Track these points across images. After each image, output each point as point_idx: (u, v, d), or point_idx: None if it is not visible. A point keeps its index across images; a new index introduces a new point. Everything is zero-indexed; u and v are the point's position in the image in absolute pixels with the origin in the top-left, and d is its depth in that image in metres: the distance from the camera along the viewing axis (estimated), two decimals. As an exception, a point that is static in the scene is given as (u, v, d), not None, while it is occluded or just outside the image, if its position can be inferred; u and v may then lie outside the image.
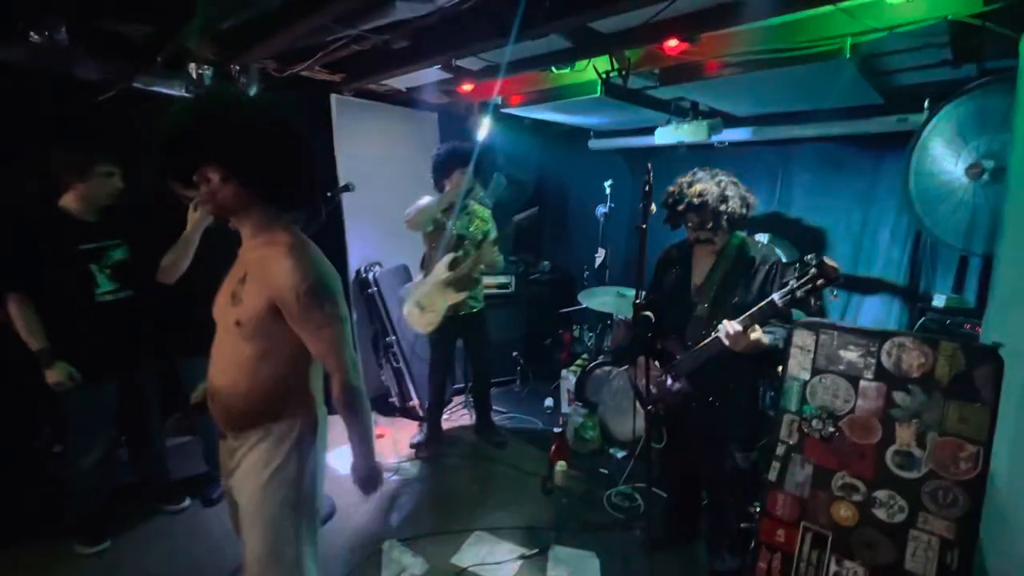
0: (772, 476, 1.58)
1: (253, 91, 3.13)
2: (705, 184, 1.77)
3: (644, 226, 1.67)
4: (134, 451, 2.50)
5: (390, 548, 2.29)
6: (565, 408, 3.60)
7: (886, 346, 1.41)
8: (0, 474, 2.41)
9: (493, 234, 3.05)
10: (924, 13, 1.79)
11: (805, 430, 1.48)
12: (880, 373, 1.43)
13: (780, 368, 1.60)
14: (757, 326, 1.62)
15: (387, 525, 2.52)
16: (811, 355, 1.49)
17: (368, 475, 1.45)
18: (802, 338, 1.52)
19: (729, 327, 1.64)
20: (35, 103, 2.59)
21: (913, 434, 1.37)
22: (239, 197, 1.25)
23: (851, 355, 1.45)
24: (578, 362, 3.84)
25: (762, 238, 3.18)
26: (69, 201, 2.13)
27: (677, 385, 1.93)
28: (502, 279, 4.27)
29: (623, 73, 2.77)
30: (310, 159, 1.32)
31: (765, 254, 1.85)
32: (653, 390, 2.01)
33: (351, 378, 1.31)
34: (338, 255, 3.45)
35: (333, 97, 3.50)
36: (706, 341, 1.76)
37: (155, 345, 2.42)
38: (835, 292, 1.46)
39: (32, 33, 2.48)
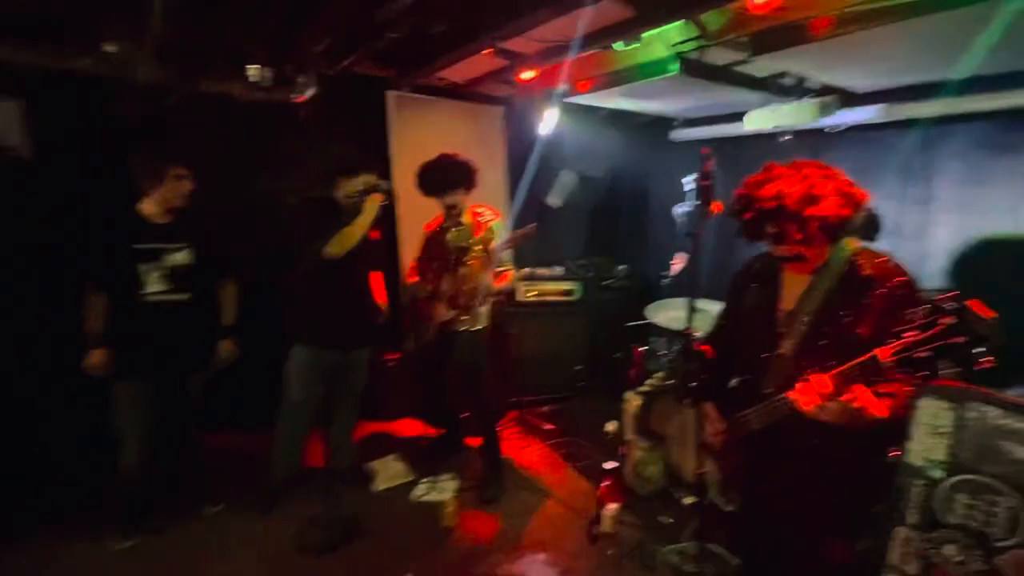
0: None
1: (312, 91, 3.09)
2: (784, 182, 1.29)
3: (697, 232, 1.25)
4: (173, 451, 2.51)
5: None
6: (628, 436, 3.15)
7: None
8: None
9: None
10: None
11: (933, 559, 0.97)
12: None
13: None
14: (856, 388, 1.11)
15: (412, 555, 2.30)
16: (947, 441, 0.97)
17: None
18: (932, 410, 1.00)
19: (812, 383, 1.15)
20: (109, 110, 2.72)
21: None
22: None
23: (1022, 451, 0.91)
24: (649, 382, 3.37)
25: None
26: (146, 205, 2.22)
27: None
28: (566, 285, 3.91)
29: (702, 45, 2.29)
30: None
31: (887, 271, 1.32)
32: (717, 442, 1.57)
33: None
34: (389, 260, 3.32)
35: (389, 94, 3.38)
36: (776, 399, 1.29)
37: (207, 352, 2.44)
38: (986, 355, 0.90)
39: (105, 44, 2.61)
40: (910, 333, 1.00)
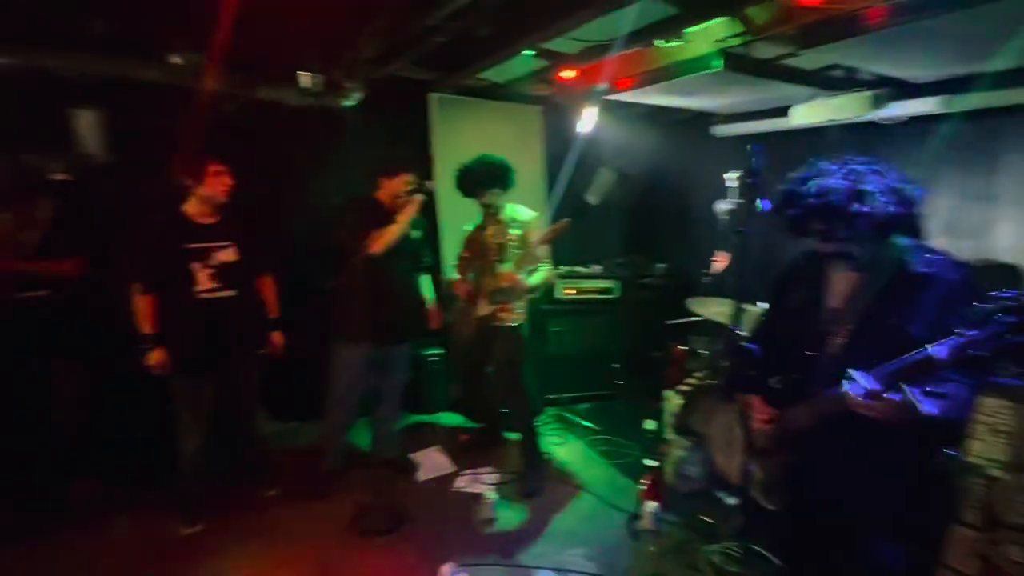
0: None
1: (359, 96, 3.21)
2: (829, 177, 1.27)
3: (743, 229, 1.25)
4: (232, 440, 2.66)
5: (451, 574, 2.14)
6: (669, 434, 3.14)
7: None
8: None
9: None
10: None
11: (993, 558, 0.95)
12: None
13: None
14: (907, 386, 1.10)
15: (453, 544, 2.37)
16: (1009, 440, 0.95)
17: None
18: (992, 409, 0.98)
19: (860, 382, 1.14)
20: (167, 117, 2.89)
21: None
22: None
23: (1087, 449, 0.89)
24: (689, 381, 3.34)
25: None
26: (190, 205, 2.33)
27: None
28: (604, 283, 3.91)
29: (748, 39, 2.26)
30: None
31: (940, 270, 1.28)
32: (761, 441, 1.56)
33: None
34: (433, 258, 3.40)
35: (432, 96, 3.47)
36: (827, 395, 1.28)
37: (257, 344, 2.57)
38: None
39: (171, 56, 2.80)
40: (967, 332, 0.98)
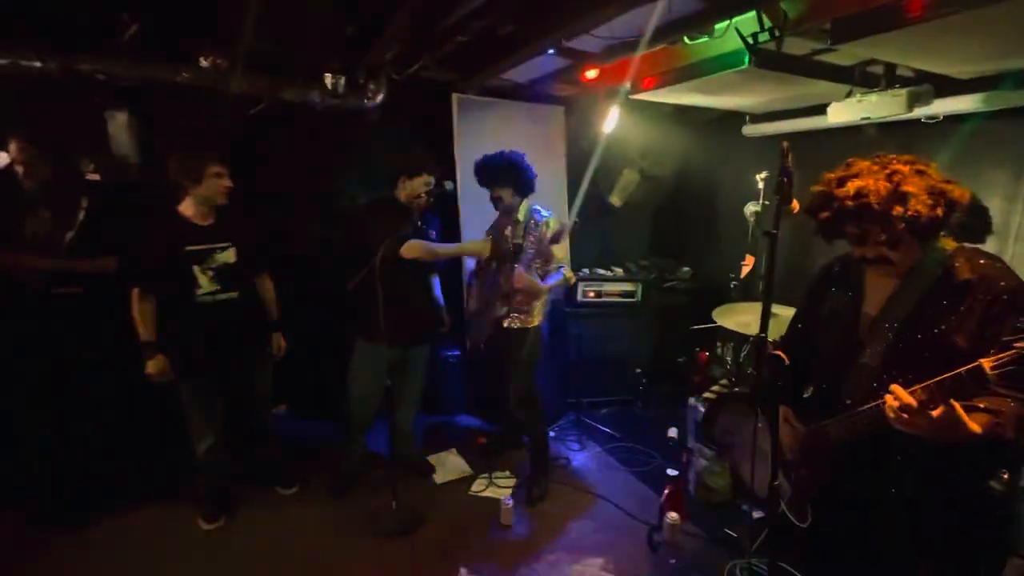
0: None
1: (381, 97, 3.22)
2: (867, 179, 1.19)
3: (775, 231, 1.19)
4: (247, 439, 2.68)
5: (464, 578, 2.11)
6: (692, 443, 3.05)
7: None
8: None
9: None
10: None
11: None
12: None
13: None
14: (954, 401, 1.01)
15: (468, 549, 2.35)
16: None
17: None
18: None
19: (898, 397, 1.06)
20: (196, 118, 2.93)
21: None
22: None
23: None
24: (714, 388, 3.25)
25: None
26: (186, 206, 2.27)
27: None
28: (626, 286, 3.84)
29: (777, 34, 2.17)
30: None
31: (988, 275, 1.19)
32: (790, 454, 1.49)
33: None
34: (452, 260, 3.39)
35: (454, 96, 3.47)
36: (865, 408, 1.20)
37: (262, 345, 2.55)
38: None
39: (200, 58, 2.85)
40: (1020, 343, 0.90)
